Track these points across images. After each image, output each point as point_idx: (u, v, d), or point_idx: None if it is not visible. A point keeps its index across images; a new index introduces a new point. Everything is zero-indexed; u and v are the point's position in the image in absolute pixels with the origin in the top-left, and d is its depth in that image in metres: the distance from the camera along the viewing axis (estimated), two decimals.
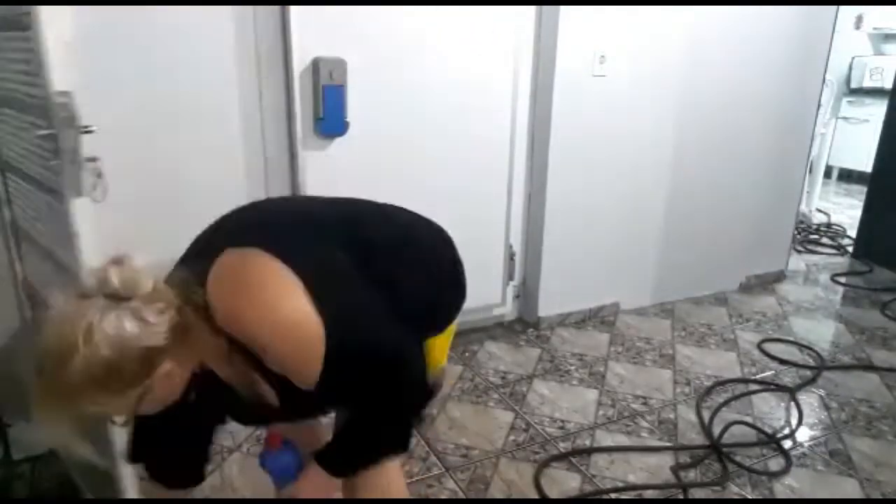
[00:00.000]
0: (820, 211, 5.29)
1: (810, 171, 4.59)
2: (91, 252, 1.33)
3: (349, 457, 1.14)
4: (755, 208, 3.36)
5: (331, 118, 2.18)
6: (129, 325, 0.84)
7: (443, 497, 1.81)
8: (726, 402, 2.34)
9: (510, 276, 2.86)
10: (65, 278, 1.42)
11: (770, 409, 2.33)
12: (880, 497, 1.88)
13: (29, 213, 1.68)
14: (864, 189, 4.35)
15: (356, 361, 1.00)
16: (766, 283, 3.60)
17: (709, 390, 2.42)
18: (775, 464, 2.01)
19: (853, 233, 4.37)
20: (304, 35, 2.09)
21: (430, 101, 2.38)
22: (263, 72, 2.08)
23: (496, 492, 1.84)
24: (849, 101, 6.57)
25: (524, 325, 2.96)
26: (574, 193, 2.79)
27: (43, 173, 1.47)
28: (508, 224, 2.73)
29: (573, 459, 1.99)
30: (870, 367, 2.68)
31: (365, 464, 1.15)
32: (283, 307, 0.94)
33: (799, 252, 4.20)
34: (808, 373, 2.59)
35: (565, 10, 2.52)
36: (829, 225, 4.88)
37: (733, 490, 1.87)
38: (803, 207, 3.79)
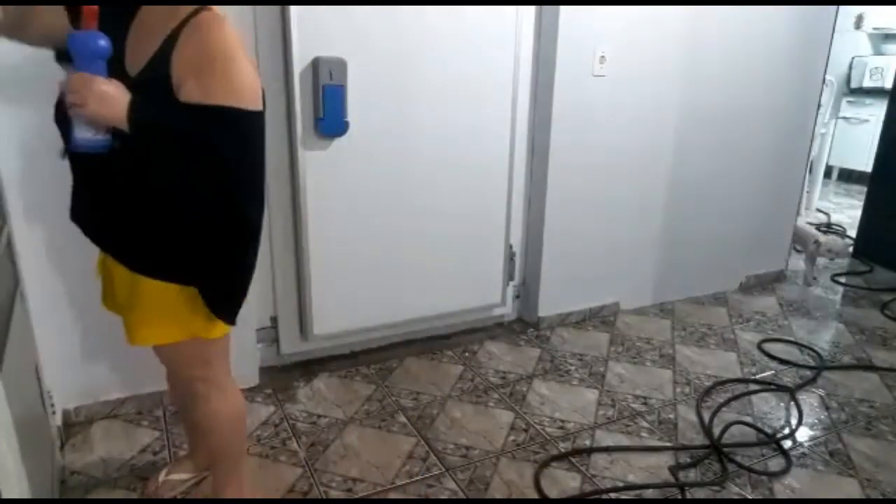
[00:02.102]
0: (820, 211, 5.30)
1: (810, 171, 4.60)
2: None
3: (154, 114, 1.17)
4: (755, 208, 3.36)
5: (331, 118, 2.18)
6: None
7: (443, 497, 1.81)
8: (726, 402, 2.34)
9: (510, 276, 2.86)
10: None
11: (770, 409, 2.33)
12: (880, 497, 1.88)
13: None
14: (864, 189, 4.35)
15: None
16: (766, 283, 3.60)
17: (709, 390, 2.42)
18: (775, 464, 2.01)
19: (853, 233, 4.37)
20: (304, 35, 2.09)
21: (430, 100, 2.39)
22: (263, 72, 2.08)
23: (496, 492, 1.84)
24: (849, 101, 6.57)
25: (524, 325, 2.96)
26: (574, 193, 2.79)
27: None
28: (508, 224, 2.74)
29: (573, 459, 1.99)
30: (870, 367, 2.68)
31: (158, 130, 1.18)
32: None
33: (799, 252, 4.20)
34: (808, 373, 2.59)
35: (565, 10, 2.52)
36: (829, 225, 4.88)
37: (733, 490, 1.87)
38: (800, 222, 3.78)
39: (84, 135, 1.16)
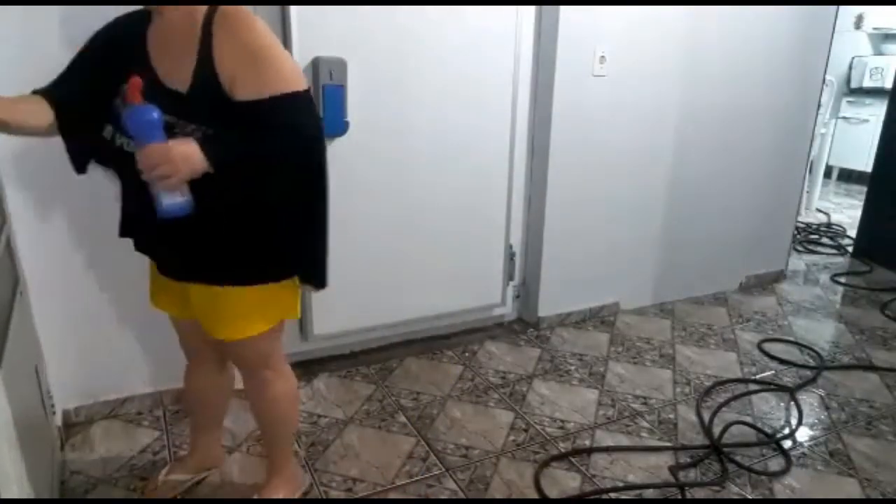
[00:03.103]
0: (820, 211, 5.30)
1: (810, 171, 4.60)
2: None
3: (231, 144, 1.21)
4: (755, 208, 3.36)
5: (331, 118, 2.18)
6: None
7: (443, 497, 1.81)
8: (726, 402, 2.34)
9: (510, 276, 2.86)
10: None
11: (770, 409, 2.33)
12: (880, 497, 1.88)
13: None
14: (864, 189, 4.35)
15: (287, 105, 1.20)
16: (766, 283, 3.60)
17: (709, 390, 2.42)
18: (775, 464, 2.01)
19: (853, 233, 4.37)
20: (304, 35, 2.09)
21: (430, 101, 2.39)
22: None
23: (496, 492, 1.84)
24: (849, 101, 6.57)
25: (524, 325, 2.96)
26: (574, 193, 2.79)
27: None
28: (508, 224, 2.74)
29: (573, 459, 1.99)
30: (870, 367, 2.68)
31: (242, 157, 1.21)
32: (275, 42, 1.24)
33: (799, 252, 4.20)
34: (808, 373, 2.59)
35: (565, 10, 2.52)
36: (829, 225, 4.88)
37: (733, 490, 1.87)
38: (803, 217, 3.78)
39: (173, 201, 1.19)
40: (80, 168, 1.37)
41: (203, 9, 1.22)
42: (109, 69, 1.27)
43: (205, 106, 1.21)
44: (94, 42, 1.34)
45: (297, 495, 1.76)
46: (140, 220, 1.36)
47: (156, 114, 1.15)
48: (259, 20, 1.23)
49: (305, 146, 1.26)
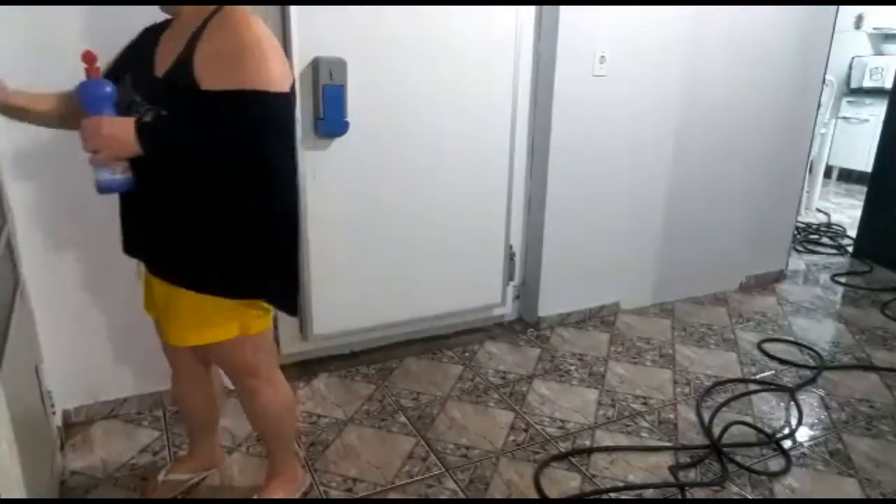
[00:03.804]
0: (820, 211, 5.30)
1: (810, 171, 4.60)
2: None
3: (168, 130, 1.20)
4: (755, 208, 3.36)
5: (331, 118, 2.18)
6: None
7: (443, 497, 1.81)
8: (726, 402, 2.33)
9: (510, 276, 2.86)
10: None
11: (770, 409, 2.33)
12: (880, 497, 1.88)
13: None
14: (864, 189, 4.35)
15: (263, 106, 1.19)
16: (766, 283, 3.60)
17: (709, 390, 2.42)
18: (775, 464, 2.01)
19: (853, 233, 4.37)
20: (304, 35, 2.09)
21: (430, 100, 2.39)
22: None
23: (496, 492, 1.84)
24: (849, 101, 6.57)
25: (524, 325, 2.96)
26: (574, 193, 2.79)
27: None
28: (508, 224, 2.74)
29: (573, 459, 1.99)
30: (870, 367, 2.68)
31: (178, 144, 1.20)
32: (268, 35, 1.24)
33: (799, 252, 4.20)
34: (808, 373, 2.59)
35: (565, 10, 2.52)
36: (829, 225, 4.88)
37: (733, 490, 1.87)
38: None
39: (105, 177, 1.19)
40: None
41: (210, 9, 1.25)
42: (123, 70, 1.33)
43: (173, 91, 1.21)
44: (122, 53, 1.39)
45: (297, 496, 1.76)
46: (125, 212, 1.39)
47: (108, 88, 1.17)
48: (258, 20, 1.23)
49: (253, 147, 1.19)
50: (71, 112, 1.29)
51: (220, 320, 1.36)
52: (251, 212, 1.29)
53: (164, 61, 1.26)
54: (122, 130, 1.16)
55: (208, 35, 1.21)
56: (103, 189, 1.21)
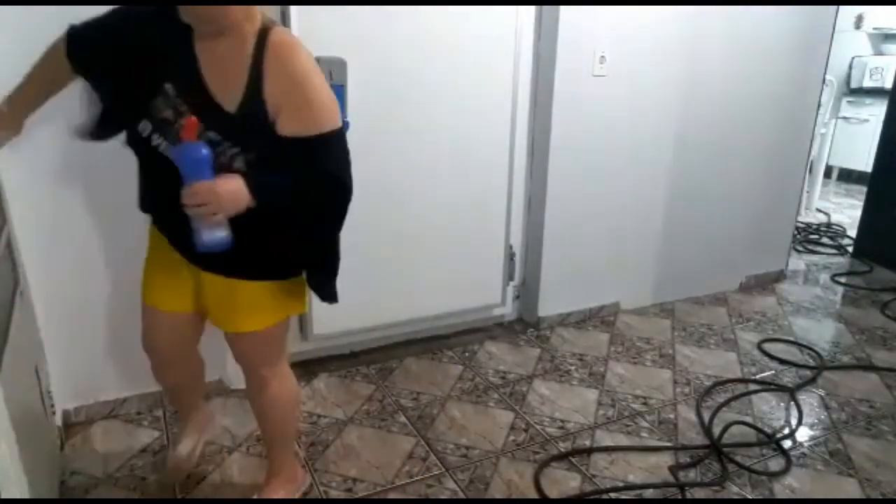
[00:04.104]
0: (820, 211, 5.30)
1: (810, 171, 4.60)
2: None
3: (274, 185, 1.27)
4: (755, 208, 3.36)
5: None
6: None
7: (443, 497, 1.81)
8: (726, 402, 2.34)
9: (510, 276, 2.86)
10: None
11: (770, 409, 2.33)
12: (880, 497, 1.88)
13: None
14: (864, 189, 4.35)
15: (331, 142, 1.28)
16: (766, 283, 3.60)
17: (709, 390, 2.42)
18: (775, 464, 2.01)
19: (853, 233, 4.37)
20: (304, 35, 2.07)
21: (430, 101, 2.38)
22: None
23: (496, 492, 1.84)
24: (849, 101, 6.57)
25: (524, 325, 2.96)
26: (574, 193, 2.79)
27: None
28: (508, 224, 2.74)
29: (573, 459, 1.99)
30: (870, 367, 2.68)
31: (284, 197, 1.28)
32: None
33: (799, 252, 4.20)
34: (808, 373, 2.59)
35: (565, 10, 2.52)
36: (829, 225, 4.88)
37: (733, 490, 1.87)
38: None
39: (213, 236, 1.24)
40: (99, 137, 1.37)
41: (253, 30, 1.25)
42: (145, 65, 1.27)
43: (250, 130, 1.25)
44: (125, 26, 1.30)
45: (297, 496, 1.76)
46: (164, 212, 1.40)
47: (205, 151, 1.20)
48: (304, 51, 1.29)
49: (342, 189, 1.34)
50: (55, 83, 1.38)
51: (272, 307, 1.45)
52: (324, 227, 1.41)
53: (225, 91, 1.25)
54: (237, 190, 1.22)
55: (269, 70, 1.23)
56: (209, 249, 1.26)
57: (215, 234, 1.24)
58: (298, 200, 1.31)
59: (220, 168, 1.24)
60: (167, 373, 1.69)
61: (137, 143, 1.33)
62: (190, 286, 1.49)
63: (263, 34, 1.25)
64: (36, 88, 1.40)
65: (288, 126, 1.24)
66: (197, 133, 1.21)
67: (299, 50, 1.28)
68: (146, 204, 1.46)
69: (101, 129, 1.36)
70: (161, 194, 1.33)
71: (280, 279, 1.44)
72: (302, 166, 1.27)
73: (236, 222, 1.26)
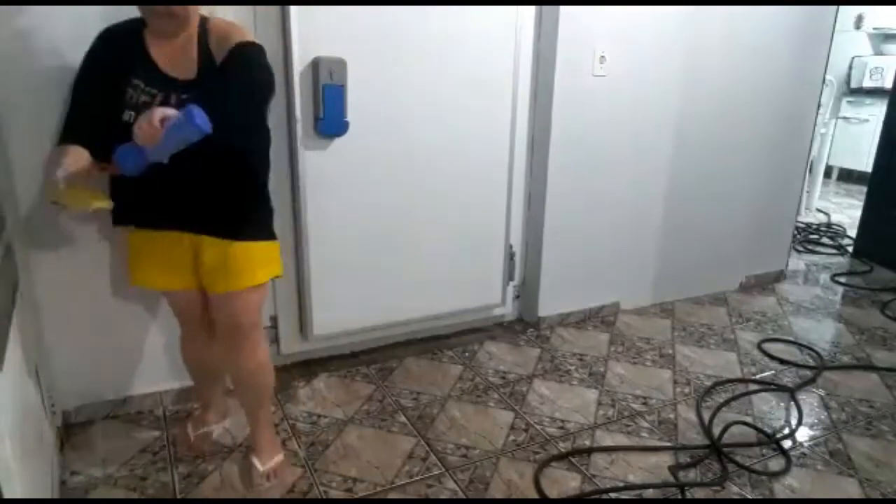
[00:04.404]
0: (820, 211, 5.30)
1: (810, 171, 4.60)
2: None
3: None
4: (755, 208, 3.36)
5: (331, 118, 2.18)
6: None
7: (443, 497, 1.81)
8: (726, 402, 2.34)
9: (510, 276, 2.86)
10: None
11: (770, 409, 2.33)
12: (880, 497, 1.88)
13: None
14: (864, 189, 4.35)
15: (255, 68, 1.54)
16: (766, 283, 3.60)
17: (709, 390, 2.42)
18: (775, 464, 2.01)
19: (853, 233, 4.37)
20: (304, 35, 2.09)
21: (430, 101, 2.39)
22: None
23: (496, 492, 1.84)
24: (849, 101, 6.57)
25: (524, 325, 2.96)
26: (574, 193, 2.79)
27: None
28: (508, 224, 2.74)
29: (573, 459, 1.99)
30: (870, 367, 2.68)
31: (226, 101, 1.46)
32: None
33: (799, 252, 4.21)
34: (808, 373, 2.59)
35: (565, 10, 2.52)
36: (829, 225, 4.88)
37: (733, 490, 1.87)
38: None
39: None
40: (104, 158, 1.50)
41: (196, 21, 1.54)
42: (115, 75, 1.51)
43: (211, 83, 1.49)
44: (93, 65, 1.56)
45: (282, 452, 1.92)
46: (162, 193, 1.56)
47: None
48: (232, 22, 1.61)
49: (269, 82, 1.56)
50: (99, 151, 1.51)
51: (261, 265, 1.67)
52: (267, 165, 1.68)
53: (181, 68, 1.52)
54: (156, 115, 1.37)
55: (212, 38, 1.53)
56: (127, 169, 1.42)
57: (142, 156, 1.39)
58: (237, 101, 1.48)
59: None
60: (189, 346, 1.88)
61: (123, 137, 1.43)
62: (186, 264, 1.65)
63: (203, 22, 1.55)
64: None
65: (222, 53, 1.51)
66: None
67: (228, 21, 1.60)
68: (135, 208, 1.61)
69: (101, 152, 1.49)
70: (153, 180, 1.48)
71: (265, 240, 1.67)
72: (233, 74, 1.50)
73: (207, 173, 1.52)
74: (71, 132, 1.53)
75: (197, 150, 1.38)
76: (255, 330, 1.73)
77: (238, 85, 1.48)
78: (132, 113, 1.49)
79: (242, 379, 1.80)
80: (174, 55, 1.54)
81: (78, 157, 1.45)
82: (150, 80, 1.51)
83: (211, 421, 2.02)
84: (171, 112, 1.35)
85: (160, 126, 1.33)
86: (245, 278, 1.64)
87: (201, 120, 1.31)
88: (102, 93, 1.52)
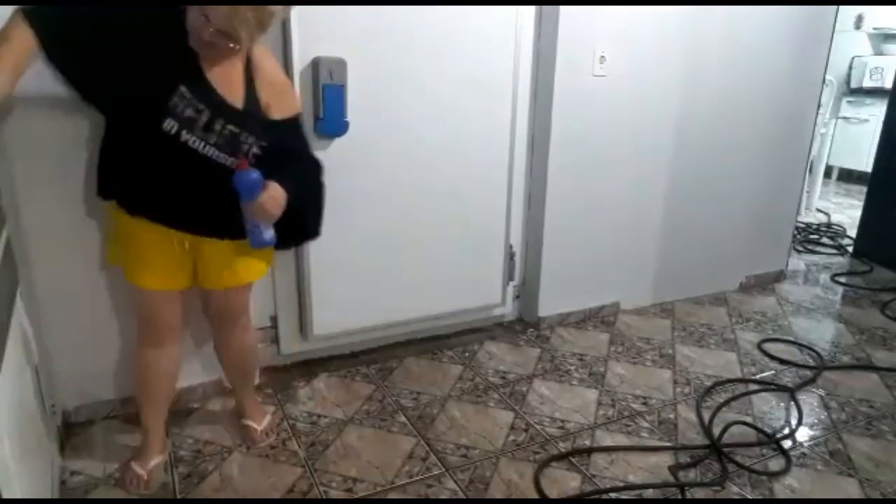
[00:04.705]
0: (820, 211, 5.30)
1: (810, 171, 4.60)
2: None
3: (289, 178, 1.62)
4: (755, 208, 3.36)
5: (331, 118, 2.18)
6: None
7: (443, 497, 1.81)
8: (726, 402, 2.34)
9: (510, 276, 2.86)
10: None
11: (770, 409, 2.33)
12: (880, 497, 1.88)
13: None
14: (864, 189, 4.35)
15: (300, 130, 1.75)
16: (766, 283, 3.60)
17: (709, 390, 2.42)
18: (775, 464, 2.01)
19: (853, 233, 4.37)
20: (304, 35, 2.09)
21: (430, 101, 2.38)
22: None
23: (496, 492, 1.84)
24: (849, 101, 6.57)
25: (524, 325, 2.96)
26: (574, 193, 2.79)
27: None
28: (508, 224, 2.74)
29: (573, 459, 1.99)
30: (870, 367, 2.68)
31: (296, 186, 1.64)
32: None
33: (799, 252, 4.21)
34: (808, 373, 2.59)
35: (565, 10, 2.52)
36: (829, 225, 4.88)
37: (733, 490, 1.87)
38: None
39: (269, 233, 1.62)
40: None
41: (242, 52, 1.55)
42: (151, 64, 1.44)
43: (253, 119, 1.56)
44: (136, 24, 1.43)
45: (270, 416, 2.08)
46: (182, 197, 1.59)
47: (255, 175, 1.53)
48: (272, 57, 1.69)
49: (319, 164, 1.82)
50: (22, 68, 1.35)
51: (259, 261, 1.79)
52: (320, 191, 1.88)
53: (232, 94, 1.54)
54: (281, 195, 1.58)
55: (257, 76, 1.59)
56: (266, 244, 1.64)
57: (270, 232, 1.62)
58: (303, 180, 1.73)
59: (245, 154, 1.55)
60: (156, 359, 1.79)
61: (154, 140, 1.47)
62: (188, 263, 1.69)
63: (249, 52, 1.58)
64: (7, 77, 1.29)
65: (278, 112, 1.62)
66: (247, 161, 1.54)
67: (270, 58, 1.67)
68: (142, 202, 1.59)
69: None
70: (176, 185, 1.56)
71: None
72: (292, 143, 1.69)
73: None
74: (51, 29, 1.33)
75: (219, 171, 1.53)
76: (246, 313, 1.90)
77: (305, 163, 1.76)
78: (175, 123, 1.46)
79: (234, 358, 1.96)
80: (224, 74, 1.52)
81: (15, 70, 1.28)
82: (198, 92, 1.48)
83: (156, 451, 1.85)
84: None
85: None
86: (247, 273, 1.77)
87: (268, 239, 1.63)
88: (123, 52, 1.40)
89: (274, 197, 1.56)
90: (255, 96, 1.57)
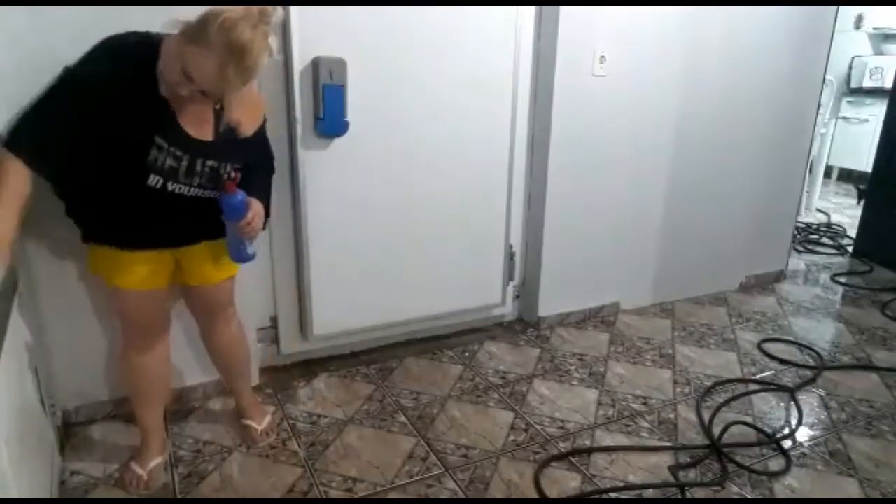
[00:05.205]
0: (820, 211, 5.30)
1: (810, 171, 4.60)
2: None
3: (262, 187, 1.74)
4: (755, 208, 3.36)
5: (331, 118, 2.18)
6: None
7: (443, 497, 1.81)
8: (726, 402, 2.34)
9: (510, 276, 2.86)
10: None
11: (770, 409, 2.33)
12: (880, 497, 1.88)
13: None
14: (865, 189, 4.35)
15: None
16: (766, 283, 3.60)
17: (709, 390, 2.42)
18: (775, 464, 2.01)
19: (853, 233, 4.37)
20: (304, 35, 2.09)
21: (429, 101, 2.38)
22: (263, 71, 2.07)
23: (496, 492, 1.84)
24: (849, 101, 6.57)
25: (524, 325, 2.96)
26: (574, 193, 2.79)
27: None
28: (508, 224, 2.74)
29: (573, 459, 1.99)
30: (870, 367, 2.68)
31: (268, 188, 1.80)
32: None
33: (799, 252, 4.20)
34: (808, 373, 2.59)
35: (565, 10, 2.52)
36: (829, 225, 4.88)
37: (733, 490, 1.87)
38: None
39: (252, 248, 1.71)
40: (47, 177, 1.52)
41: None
42: (124, 119, 1.44)
43: (226, 144, 1.58)
44: (101, 90, 1.42)
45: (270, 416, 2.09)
46: (170, 226, 1.64)
47: (241, 196, 1.60)
48: None
49: (272, 155, 1.87)
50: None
51: None
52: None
53: (196, 129, 1.53)
54: (261, 210, 1.66)
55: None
56: (249, 258, 1.72)
57: (252, 247, 1.70)
58: (269, 181, 1.82)
59: (227, 178, 1.59)
60: (149, 356, 1.78)
61: (141, 194, 1.52)
62: (170, 263, 1.72)
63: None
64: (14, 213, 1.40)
65: (249, 125, 1.63)
66: (233, 184, 1.59)
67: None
68: (134, 239, 1.62)
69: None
70: (162, 218, 1.60)
71: None
72: (262, 152, 1.78)
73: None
74: (35, 150, 1.41)
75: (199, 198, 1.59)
76: (232, 303, 1.91)
77: (269, 168, 1.84)
78: (159, 178, 1.50)
79: (224, 349, 1.95)
80: (196, 112, 1.52)
81: (10, 215, 1.37)
82: (173, 140, 1.48)
83: (156, 451, 1.85)
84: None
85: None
86: (231, 266, 1.81)
87: (252, 253, 1.72)
88: (95, 125, 1.43)
89: (258, 213, 1.63)
90: (227, 118, 1.57)
